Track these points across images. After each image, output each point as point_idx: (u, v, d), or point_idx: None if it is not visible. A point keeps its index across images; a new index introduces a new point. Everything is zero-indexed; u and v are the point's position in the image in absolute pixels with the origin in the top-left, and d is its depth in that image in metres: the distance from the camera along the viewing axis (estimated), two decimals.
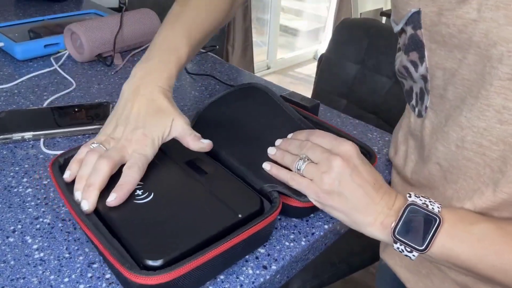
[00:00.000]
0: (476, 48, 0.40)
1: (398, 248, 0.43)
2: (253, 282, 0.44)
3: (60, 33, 0.94)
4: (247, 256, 0.46)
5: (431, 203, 0.43)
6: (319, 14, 3.60)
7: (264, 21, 3.04)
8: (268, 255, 0.47)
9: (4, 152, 0.61)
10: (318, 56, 1.26)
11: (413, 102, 0.53)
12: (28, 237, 0.47)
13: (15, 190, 0.54)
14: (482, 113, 0.42)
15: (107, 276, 0.43)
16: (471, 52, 0.41)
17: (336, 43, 1.14)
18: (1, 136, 0.62)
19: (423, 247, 0.41)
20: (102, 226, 0.42)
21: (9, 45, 0.89)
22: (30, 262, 0.44)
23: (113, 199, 0.44)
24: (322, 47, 3.41)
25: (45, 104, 0.73)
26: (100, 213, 0.44)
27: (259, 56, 2.93)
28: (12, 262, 0.44)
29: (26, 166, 0.59)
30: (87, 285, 0.42)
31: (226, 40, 2.25)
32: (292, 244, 0.49)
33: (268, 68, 3.13)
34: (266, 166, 0.51)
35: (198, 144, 0.50)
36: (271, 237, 0.49)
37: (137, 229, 0.42)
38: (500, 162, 0.43)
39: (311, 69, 3.19)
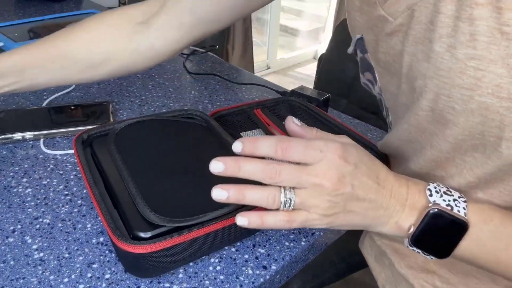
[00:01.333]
0: (406, 79, 0.40)
1: (414, 250, 0.39)
2: (253, 282, 0.44)
3: None
4: (246, 256, 0.46)
5: (456, 202, 0.37)
6: (319, 14, 3.60)
7: (264, 21, 3.03)
8: (268, 255, 0.47)
9: (4, 152, 0.61)
10: (318, 56, 1.26)
11: (384, 113, 0.53)
12: (27, 237, 0.47)
13: (15, 190, 0.54)
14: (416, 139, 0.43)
15: (107, 276, 0.43)
16: (403, 81, 0.41)
17: (336, 43, 1.13)
18: (1, 136, 0.62)
19: (445, 255, 0.38)
20: (107, 198, 0.47)
21: (9, 45, 0.89)
22: (29, 262, 0.44)
23: None
24: (322, 47, 3.40)
25: (44, 104, 0.73)
26: (112, 188, 0.48)
27: (259, 56, 2.93)
28: (12, 262, 0.44)
29: (26, 166, 0.58)
30: (87, 285, 0.42)
31: (226, 40, 2.25)
32: (292, 244, 0.48)
33: (268, 68, 3.13)
34: (245, 219, 0.36)
35: None
36: (271, 237, 0.49)
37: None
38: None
39: (311, 69, 3.18)
